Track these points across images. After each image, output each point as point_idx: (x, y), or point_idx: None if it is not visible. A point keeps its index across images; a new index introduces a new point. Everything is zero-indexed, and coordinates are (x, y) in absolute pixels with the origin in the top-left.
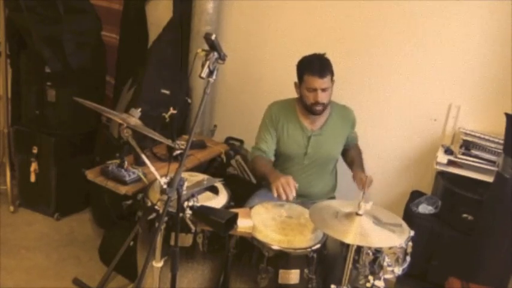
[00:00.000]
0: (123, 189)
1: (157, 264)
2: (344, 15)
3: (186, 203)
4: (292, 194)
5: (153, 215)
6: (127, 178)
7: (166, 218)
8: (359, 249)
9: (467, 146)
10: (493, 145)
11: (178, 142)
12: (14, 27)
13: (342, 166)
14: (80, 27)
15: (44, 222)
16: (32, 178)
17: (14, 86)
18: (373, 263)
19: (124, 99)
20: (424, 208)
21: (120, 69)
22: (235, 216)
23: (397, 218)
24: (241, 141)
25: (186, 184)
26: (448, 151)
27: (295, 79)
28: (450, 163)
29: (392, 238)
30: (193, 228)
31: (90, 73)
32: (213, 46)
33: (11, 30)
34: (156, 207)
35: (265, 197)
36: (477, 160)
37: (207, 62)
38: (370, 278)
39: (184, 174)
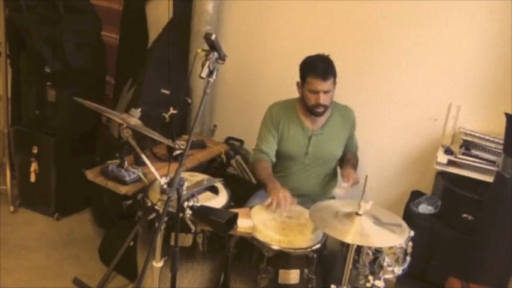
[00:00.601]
0: (123, 189)
1: (157, 264)
2: (344, 15)
3: (186, 203)
4: (287, 210)
5: (153, 215)
6: (127, 178)
7: (166, 218)
8: (359, 249)
9: (467, 146)
10: (493, 145)
11: (178, 142)
12: (14, 27)
13: None
14: (80, 27)
15: (44, 222)
16: (32, 178)
17: (14, 86)
18: (373, 263)
19: (124, 99)
20: (424, 208)
21: (120, 69)
22: (235, 216)
23: (397, 218)
24: (241, 141)
25: (186, 184)
26: (448, 151)
27: (296, 79)
28: (450, 163)
29: (392, 238)
30: (193, 228)
31: (90, 73)
32: (213, 46)
33: (11, 30)
34: (156, 207)
35: (265, 197)
36: (477, 160)
37: (207, 62)
38: (370, 278)
39: (184, 174)
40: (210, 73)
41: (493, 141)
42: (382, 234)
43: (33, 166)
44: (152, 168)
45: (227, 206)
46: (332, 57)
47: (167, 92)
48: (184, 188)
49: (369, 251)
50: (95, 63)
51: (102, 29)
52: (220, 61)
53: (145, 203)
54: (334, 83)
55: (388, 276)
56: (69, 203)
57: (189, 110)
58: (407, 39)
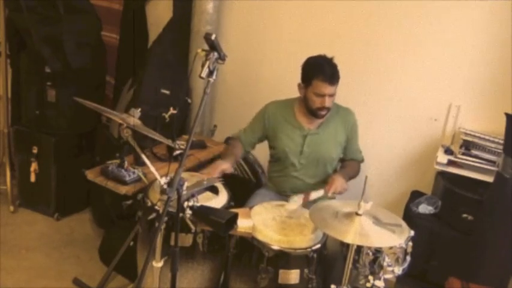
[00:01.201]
0: (123, 189)
1: (157, 264)
2: (344, 15)
3: (186, 203)
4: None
5: (153, 215)
6: (127, 178)
7: (166, 218)
8: (359, 249)
9: (467, 146)
10: (493, 145)
11: (178, 142)
12: (14, 27)
13: None
14: (80, 27)
15: (44, 222)
16: (32, 178)
17: (14, 86)
18: (373, 263)
19: (124, 99)
20: (424, 208)
21: (120, 69)
22: (235, 216)
23: (397, 218)
24: None
25: (186, 184)
26: (448, 151)
27: (296, 79)
28: (450, 163)
29: (392, 238)
30: (193, 228)
31: (90, 73)
32: (213, 46)
33: (11, 30)
34: (156, 207)
35: (265, 197)
36: (477, 160)
37: (207, 62)
38: (370, 278)
39: (185, 174)
40: (210, 73)
41: (493, 141)
42: (382, 234)
43: (33, 166)
44: (152, 168)
45: (227, 206)
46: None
47: (167, 92)
48: (184, 188)
49: (369, 251)
50: (95, 63)
51: (102, 29)
52: (220, 61)
53: (145, 203)
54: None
55: (388, 276)
56: (69, 203)
57: (189, 110)
58: (407, 39)
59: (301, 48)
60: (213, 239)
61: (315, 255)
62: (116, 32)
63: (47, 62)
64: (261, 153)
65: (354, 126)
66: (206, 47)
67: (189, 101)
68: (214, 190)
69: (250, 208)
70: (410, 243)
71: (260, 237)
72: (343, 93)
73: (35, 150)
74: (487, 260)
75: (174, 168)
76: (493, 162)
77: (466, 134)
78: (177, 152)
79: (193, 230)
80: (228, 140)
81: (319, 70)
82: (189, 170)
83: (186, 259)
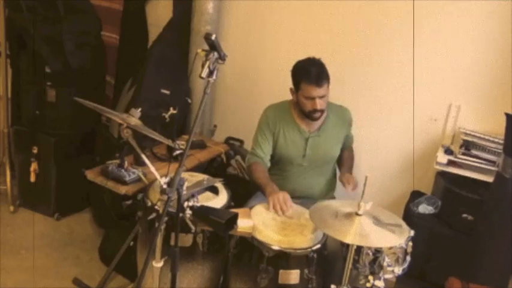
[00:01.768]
0: (123, 189)
1: (157, 264)
2: (344, 16)
3: (186, 203)
4: (288, 211)
5: (153, 215)
6: (127, 178)
7: (166, 218)
8: (359, 249)
9: (467, 146)
10: (493, 145)
11: (178, 142)
12: (14, 27)
13: None
14: (80, 27)
15: (44, 222)
16: (32, 178)
17: (14, 86)
18: (373, 263)
19: (124, 99)
20: (424, 208)
21: (120, 69)
22: (235, 216)
23: (397, 218)
24: (241, 141)
25: (186, 184)
26: (448, 151)
27: (291, 84)
28: (450, 163)
29: (392, 238)
30: (193, 228)
31: (90, 73)
32: (213, 46)
33: (11, 30)
34: (156, 207)
35: (265, 197)
36: (477, 160)
37: (207, 62)
38: (370, 278)
39: (185, 174)
40: (210, 73)
41: (493, 141)
42: (382, 235)
43: (33, 166)
44: (152, 168)
45: (227, 206)
46: (332, 58)
47: (167, 92)
48: (184, 188)
49: (368, 251)
50: (95, 63)
51: (102, 29)
52: (220, 61)
53: (145, 203)
54: (328, 86)
55: (388, 276)
56: (69, 203)
57: (189, 110)
58: (407, 39)
59: (301, 48)
60: (213, 239)
61: (315, 256)
62: (116, 32)
63: (47, 62)
64: None
65: (351, 122)
66: (206, 47)
67: (189, 101)
68: (214, 190)
69: (251, 208)
70: (410, 243)
71: (260, 237)
72: (343, 94)
73: (35, 150)
74: (487, 260)
75: (174, 168)
76: (493, 162)
77: (466, 134)
78: (177, 152)
79: (193, 230)
80: (248, 169)
81: (305, 73)
82: (189, 170)
83: (186, 259)
